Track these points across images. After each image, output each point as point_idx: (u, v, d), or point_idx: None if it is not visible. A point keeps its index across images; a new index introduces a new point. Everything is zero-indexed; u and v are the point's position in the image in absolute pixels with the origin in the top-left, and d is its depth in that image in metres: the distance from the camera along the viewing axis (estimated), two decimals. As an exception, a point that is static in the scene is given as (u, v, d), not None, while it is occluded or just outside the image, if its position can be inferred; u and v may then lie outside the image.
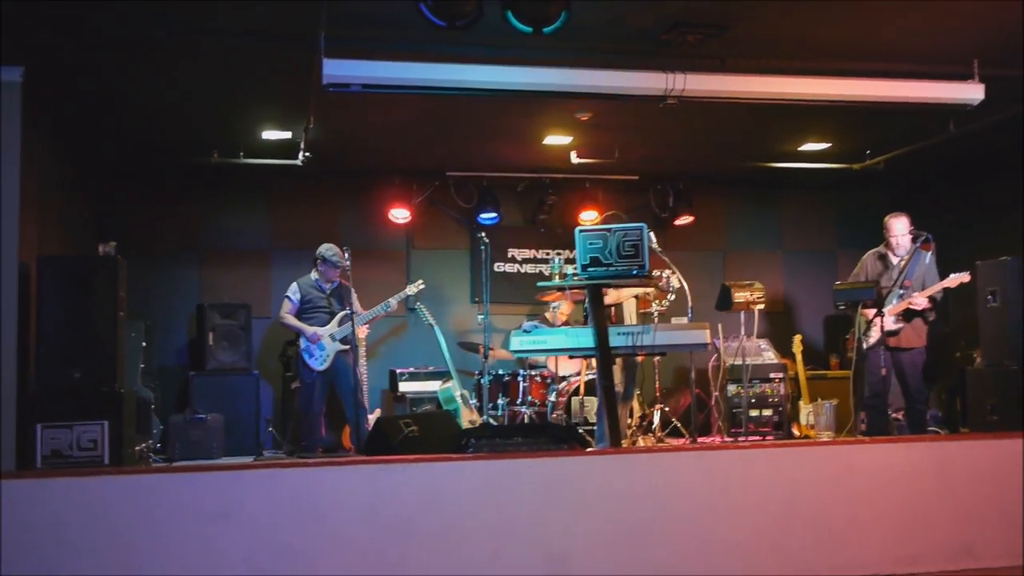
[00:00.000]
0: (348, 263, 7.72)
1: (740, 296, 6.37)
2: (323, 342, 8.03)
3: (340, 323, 8.05)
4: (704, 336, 5.37)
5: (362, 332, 8.48)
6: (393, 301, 8.33)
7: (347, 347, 8.07)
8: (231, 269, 9.52)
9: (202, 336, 8.90)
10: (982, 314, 6.79)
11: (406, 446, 5.18)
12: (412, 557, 4.30)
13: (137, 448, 6.95)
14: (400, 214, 9.59)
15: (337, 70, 5.35)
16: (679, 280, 6.40)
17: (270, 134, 8.06)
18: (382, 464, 4.51)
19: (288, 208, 9.69)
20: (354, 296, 8.13)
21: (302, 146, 8.08)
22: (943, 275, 6.98)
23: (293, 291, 8.21)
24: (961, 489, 4.89)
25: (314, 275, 8.24)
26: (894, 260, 7.15)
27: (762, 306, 6.50)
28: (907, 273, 7.00)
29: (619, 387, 6.25)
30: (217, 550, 4.13)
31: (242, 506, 4.21)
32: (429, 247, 9.93)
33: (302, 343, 8.09)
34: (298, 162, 8.28)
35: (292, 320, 8.16)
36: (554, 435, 4.93)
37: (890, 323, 6.86)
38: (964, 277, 6.85)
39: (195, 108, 7.49)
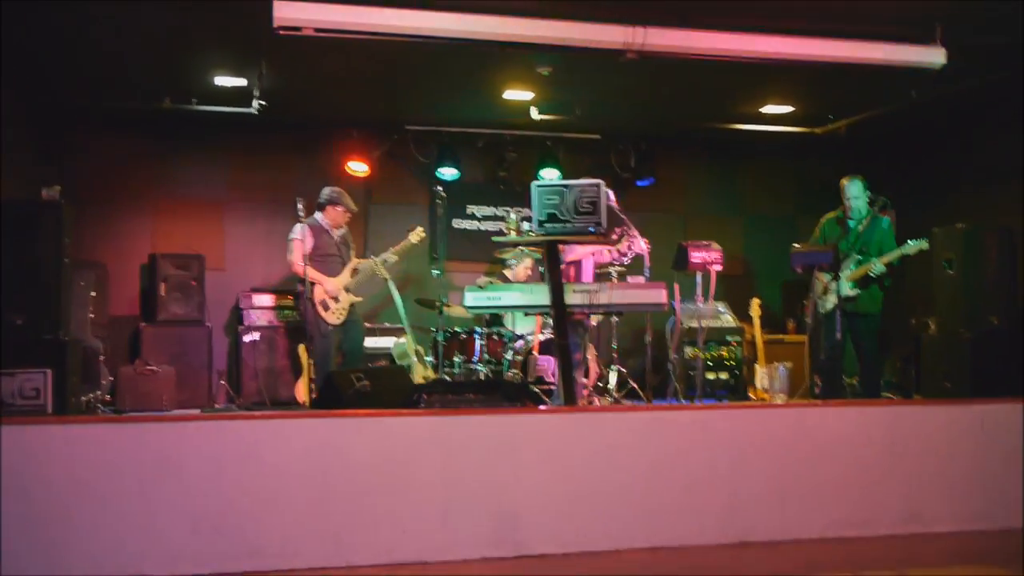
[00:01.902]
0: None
1: (697, 256, 6.32)
2: (339, 294, 7.61)
3: (352, 273, 7.66)
4: (661, 296, 5.31)
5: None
6: (392, 255, 7.91)
7: (360, 299, 7.73)
8: (185, 219, 9.32)
9: (154, 287, 8.74)
10: (937, 281, 6.80)
11: (357, 400, 5.10)
12: (360, 513, 4.24)
13: (84, 399, 6.81)
14: (358, 167, 9.42)
15: (289, 12, 5.17)
16: (642, 245, 6.35)
17: (223, 80, 7.84)
18: (331, 418, 4.44)
19: (244, 159, 9.48)
20: (353, 246, 7.83)
21: (256, 94, 7.87)
22: (900, 241, 6.97)
23: (301, 232, 7.46)
24: (911, 454, 4.92)
25: (320, 219, 7.72)
26: (850, 223, 7.13)
27: (719, 267, 6.46)
28: (864, 238, 6.99)
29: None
30: (159, 503, 4.05)
31: (186, 458, 4.13)
32: (387, 201, 9.77)
33: (318, 295, 7.49)
34: (253, 110, 8.07)
35: (311, 270, 7.27)
36: (507, 392, 4.88)
37: (847, 289, 6.86)
38: (923, 245, 6.84)
39: (145, 49, 7.24)
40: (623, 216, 6.09)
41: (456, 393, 4.83)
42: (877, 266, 6.83)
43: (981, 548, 4.65)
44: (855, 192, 7.08)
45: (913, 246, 6.84)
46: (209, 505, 4.10)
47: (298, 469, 4.22)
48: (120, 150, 9.15)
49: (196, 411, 8.12)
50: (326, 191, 7.79)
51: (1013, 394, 5.45)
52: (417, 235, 8.05)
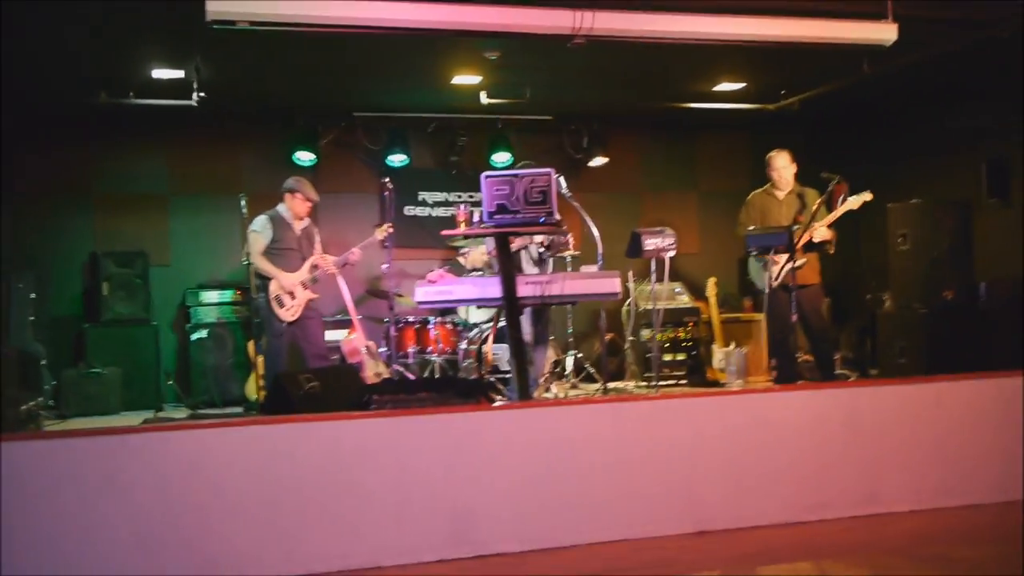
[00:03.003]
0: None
1: (651, 243, 6.25)
2: (296, 290, 7.28)
3: (311, 269, 7.35)
4: (615, 285, 5.23)
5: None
6: (357, 249, 7.61)
7: (316, 296, 7.41)
8: (126, 216, 9.09)
9: (96, 286, 8.52)
10: (892, 256, 6.80)
11: (307, 403, 4.97)
12: (310, 519, 4.12)
13: (24, 408, 6.59)
14: (305, 156, 9.23)
15: (222, 6, 4.97)
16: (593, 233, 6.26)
17: (160, 73, 7.61)
18: (278, 424, 4.30)
19: (186, 152, 9.26)
20: (318, 239, 7.56)
21: (195, 86, 7.63)
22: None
23: (262, 225, 7.24)
24: (868, 435, 4.89)
25: (283, 210, 7.40)
26: (779, 196, 7.08)
27: (673, 253, 6.39)
28: (798, 210, 6.92)
29: (527, 337, 6.14)
30: (102, 520, 3.89)
31: (129, 472, 3.97)
32: (336, 190, 9.56)
33: (272, 290, 7.21)
34: (192, 103, 7.84)
35: (266, 263, 7.12)
36: (461, 389, 4.78)
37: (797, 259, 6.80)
38: (866, 196, 6.72)
39: (76, 43, 6.98)
40: (575, 203, 5.99)
41: (408, 392, 4.72)
42: (820, 229, 6.76)
43: (942, 526, 4.64)
44: (783, 163, 7.07)
45: (855, 199, 6.73)
46: (155, 519, 3.96)
47: (247, 478, 4.08)
48: (57, 147, 8.88)
49: (145, 413, 7.96)
50: (289, 182, 7.48)
51: (969, 369, 5.46)
52: (383, 231, 7.77)
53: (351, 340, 7.81)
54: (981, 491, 4.99)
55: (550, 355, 7.72)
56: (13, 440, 4.13)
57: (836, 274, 7.17)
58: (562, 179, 6.40)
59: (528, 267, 6.47)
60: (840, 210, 6.76)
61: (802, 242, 6.81)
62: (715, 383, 8.66)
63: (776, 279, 6.68)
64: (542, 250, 6.43)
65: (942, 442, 4.99)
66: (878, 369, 7.38)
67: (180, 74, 7.60)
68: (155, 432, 4.23)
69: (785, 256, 6.61)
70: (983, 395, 5.11)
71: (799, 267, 6.79)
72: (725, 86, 8.89)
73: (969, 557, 4.06)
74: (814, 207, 6.77)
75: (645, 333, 8.69)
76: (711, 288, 8.92)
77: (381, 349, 8.18)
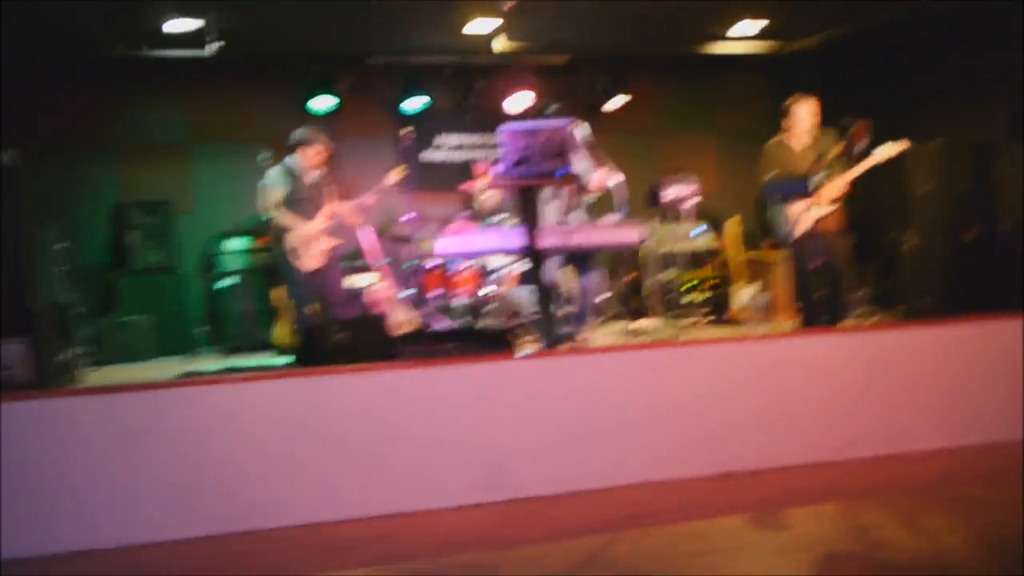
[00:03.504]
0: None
1: (671, 193, 6.22)
2: (314, 239, 7.17)
3: (327, 218, 7.25)
4: (635, 235, 5.25)
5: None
6: (371, 194, 7.52)
7: (336, 242, 7.36)
8: (148, 165, 9.16)
9: (123, 235, 8.61)
10: (913, 197, 6.78)
11: (337, 353, 5.07)
12: (348, 467, 4.25)
13: (63, 358, 6.71)
14: (322, 103, 9.22)
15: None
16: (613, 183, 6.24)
17: (175, 24, 7.56)
18: (311, 376, 4.41)
19: (204, 101, 9.28)
20: (334, 187, 7.44)
21: (211, 36, 7.61)
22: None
23: (276, 178, 7.12)
24: (891, 377, 4.95)
25: (294, 162, 7.29)
26: (796, 146, 6.95)
27: (696, 199, 6.37)
28: (816, 159, 6.85)
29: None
30: (143, 471, 4.03)
31: (168, 425, 4.09)
32: (354, 136, 9.57)
33: (290, 241, 7.13)
34: (208, 53, 7.82)
35: (283, 215, 7.04)
36: (486, 339, 4.85)
37: (823, 209, 6.78)
38: (903, 145, 6.63)
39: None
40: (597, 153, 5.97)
41: (435, 342, 4.80)
42: (850, 175, 6.68)
43: (963, 465, 4.72)
44: (805, 113, 6.88)
45: (893, 147, 6.64)
46: (194, 470, 4.09)
47: (282, 429, 4.20)
48: (76, 99, 8.91)
49: (179, 359, 8.10)
50: (298, 132, 7.37)
51: (990, 308, 5.50)
52: (398, 173, 7.71)
53: (376, 289, 7.84)
54: (1002, 429, 5.07)
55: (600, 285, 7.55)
56: (55, 396, 4.27)
57: (857, 213, 7.14)
58: (584, 126, 6.38)
59: (552, 214, 6.43)
60: (878, 157, 6.62)
61: (831, 191, 6.74)
62: (736, 322, 8.72)
63: (798, 226, 6.64)
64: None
65: (964, 382, 5.06)
66: (900, 308, 7.40)
67: (196, 24, 7.57)
68: (193, 387, 4.35)
69: (806, 203, 6.59)
70: (1003, 335, 5.16)
71: (826, 216, 6.76)
72: (745, 26, 8.79)
73: (991, 497, 4.14)
74: (830, 155, 6.66)
75: (667, 273, 8.74)
76: (732, 227, 8.92)
77: (404, 293, 8.24)
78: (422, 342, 4.82)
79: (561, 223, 5.93)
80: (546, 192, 6.16)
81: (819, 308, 6.76)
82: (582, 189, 6.27)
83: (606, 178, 6.26)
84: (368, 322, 6.22)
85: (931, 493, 4.22)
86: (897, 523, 3.81)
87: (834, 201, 6.82)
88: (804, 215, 6.58)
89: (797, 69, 10.09)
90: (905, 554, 3.47)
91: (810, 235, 6.61)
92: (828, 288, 6.82)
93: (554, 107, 6.54)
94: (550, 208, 6.29)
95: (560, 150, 4.95)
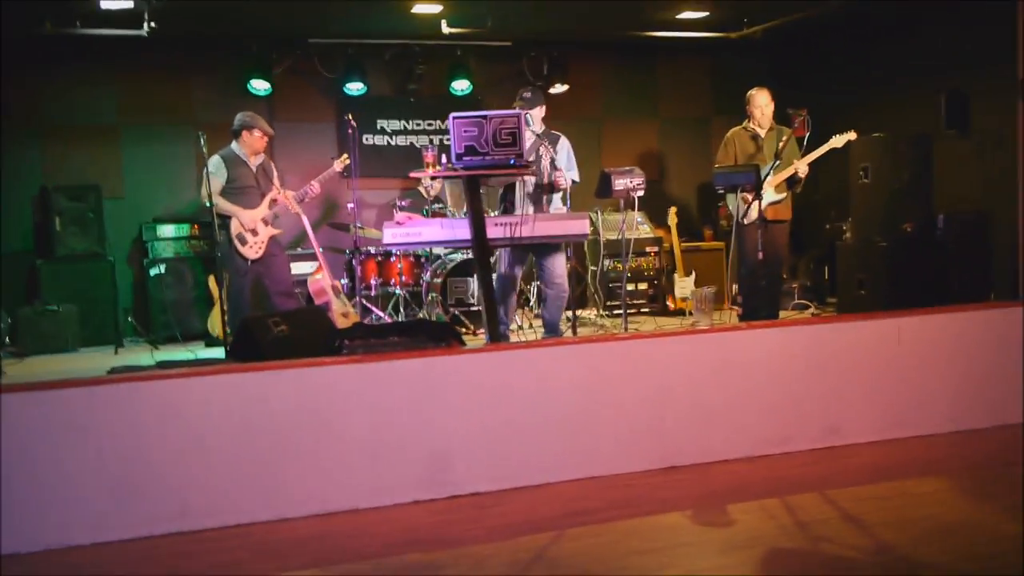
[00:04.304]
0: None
1: (620, 183, 6.23)
2: (257, 227, 7.17)
3: (271, 205, 7.21)
4: (584, 227, 5.24)
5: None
6: (316, 183, 7.44)
7: (279, 231, 7.32)
8: (76, 148, 8.81)
9: (48, 221, 8.30)
10: (853, 190, 6.85)
11: (276, 347, 4.92)
12: (289, 465, 4.15)
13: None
14: (259, 85, 9.00)
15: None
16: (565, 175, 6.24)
17: (109, 3, 7.29)
18: (250, 372, 4.27)
19: (136, 81, 8.94)
20: (275, 174, 7.38)
21: (147, 16, 7.35)
22: (812, 147, 6.89)
23: (216, 165, 7.06)
24: (831, 370, 5.00)
25: (236, 148, 7.23)
26: (760, 133, 7.08)
27: (642, 192, 6.38)
28: (775, 146, 6.95)
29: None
30: (76, 471, 3.88)
31: (100, 423, 3.94)
32: (292, 120, 9.36)
33: (233, 228, 7.07)
34: (143, 32, 7.56)
35: (224, 202, 7.00)
36: (431, 333, 4.77)
37: (772, 195, 6.84)
38: (850, 136, 6.76)
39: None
40: (544, 144, 5.92)
41: (379, 336, 4.70)
42: (802, 166, 6.79)
43: (898, 457, 4.79)
44: (764, 101, 7.07)
45: (839, 139, 6.77)
46: (128, 469, 3.95)
47: (221, 426, 4.08)
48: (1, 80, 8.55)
49: (104, 349, 7.87)
50: (239, 117, 7.27)
51: (927, 301, 5.58)
52: (342, 163, 7.67)
53: (317, 280, 7.71)
54: (935, 422, 5.16)
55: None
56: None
57: (795, 203, 7.23)
58: (531, 115, 6.33)
59: (523, 206, 6.34)
60: (823, 148, 6.79)
61: (782, 178, 6.83)
62: (677, 312, 8.77)
63: (746, 215, 6.71)
64: (533, 189, 6.35)
65: (900, 376, 5.12)
66: (837, 299, 7.50)
67: (129, 4, 7.30)
68: (127, 383, 4.17)
69: (771, 188, 6.67)
70: (940, 329, 5.25)
71: (778, 202, 6.84)
72: (688, 14, 8.79)
73: (927, 491, 4.20)
74: (781, 144, 6.78)
75: (608, 263, 8.77)
76: (672, 217, 8.95)
77: (343, 281, 8.11)
78: (365, 336, 4.70)
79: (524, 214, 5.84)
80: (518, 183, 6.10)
81: (759, 298, 6.82)
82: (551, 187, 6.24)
83: (562, 176, 6.25)
84: (308, 314, 6.07)
85: (870, 487, 4.26)
86: (839, 518, 3.84)
87: (783, 190, 6.91)
88: (753, 203, 6.63)
89: (740, 58, 10.16)
90: (848, 549, 3.50)
91: (756, 224, 6.66)
92: (767, 279, 6.90)
93: (528, 92, 6.45)
94: (520, 197, 6.23)
95: (512, 139, 4.88)
